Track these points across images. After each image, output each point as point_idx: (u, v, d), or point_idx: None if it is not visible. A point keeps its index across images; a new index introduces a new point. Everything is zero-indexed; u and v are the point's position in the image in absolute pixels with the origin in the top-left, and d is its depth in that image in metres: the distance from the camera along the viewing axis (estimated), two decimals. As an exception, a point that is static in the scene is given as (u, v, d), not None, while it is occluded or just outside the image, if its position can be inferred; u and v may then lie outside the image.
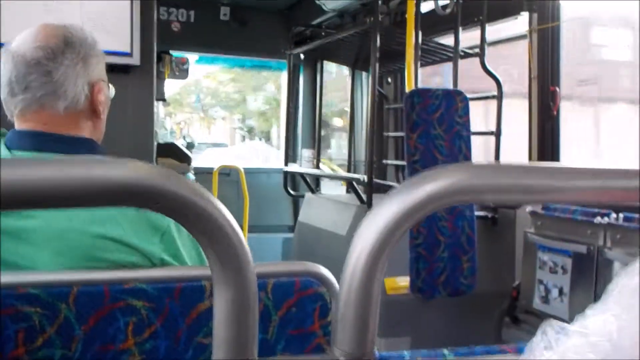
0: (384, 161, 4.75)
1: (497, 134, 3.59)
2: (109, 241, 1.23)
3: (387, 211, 0.57)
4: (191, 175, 4.75)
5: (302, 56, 5.32)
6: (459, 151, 3.20)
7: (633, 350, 0.57)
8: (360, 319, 0.56)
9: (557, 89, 3.48)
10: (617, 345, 0.56)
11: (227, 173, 5.17)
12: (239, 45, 5.33)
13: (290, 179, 5.22)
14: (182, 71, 5.05)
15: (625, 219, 2.82)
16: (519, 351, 0.59)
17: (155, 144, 3.93)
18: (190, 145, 7.20)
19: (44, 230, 1.20)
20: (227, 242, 0.54)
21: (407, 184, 0.58)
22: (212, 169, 5.09)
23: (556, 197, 0.62)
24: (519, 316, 3.23)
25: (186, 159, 4.70)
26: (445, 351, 0.67)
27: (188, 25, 5.15)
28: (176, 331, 1.21)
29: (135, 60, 3.07)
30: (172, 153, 4.65)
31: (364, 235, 0.57)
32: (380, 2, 3.85)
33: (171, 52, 5.12)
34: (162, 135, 6.97)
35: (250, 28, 5.28)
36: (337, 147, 9.38)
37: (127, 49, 3.05)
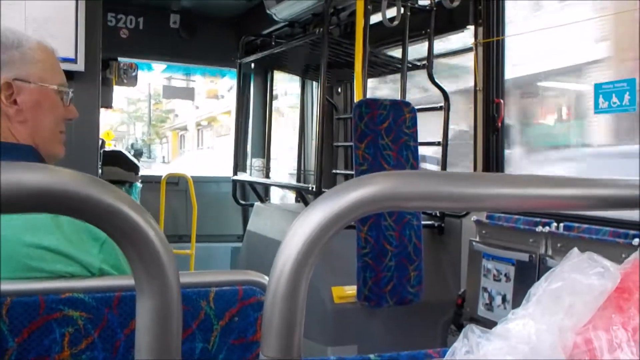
0: (334, 171, 4.78)
1: (444, 144, 3.66)
2: (44, 251, 1.20)
3: (312, 219, 0.58)
4: (138, 184, 4.68)
5: (252, 65, 5.32)
6: (406, 161, 3.24)
7: (552, 353, 0.59)
8: (286, 325, 0.56)
9: (502, 101, 3.56)
10: (535, 348, 0.58)
11: (176, 182, 5.11)
12: (189, 54, 5.29)
13: (240, 188, 5.20)
14: (130, 78, 4.98)
15: (566, 227, 2.90)
16: (444, 355, 0.60)
17: (101, 152, 3.87)
18: (138, 153, 7.09)
19: None
20: (150, 250, 0.54)
21: (332, 192, 0.59)
22: (160, 177, 5.03)
23: (479, 205, 0.64)
24: (464, 323, 3.29)
25: (133, 168, 4.63)
26: (372, 356, 0.67)
27: (137, 33, 5.09)
28: (114, 342, 1.18)
29: (79, 66, 3.01)
30: (119, 161, 4.57)
31: (289, 242, 0.58)
32: (330, 13, 3.88)
33: (119, 59, 5.05)
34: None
35: (200, 36, 5.25)
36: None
37: (72, 55, 2.99)
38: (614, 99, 2.98)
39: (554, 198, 0.67)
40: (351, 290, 3.10)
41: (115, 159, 4.57)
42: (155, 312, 0.56)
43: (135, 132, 23.91)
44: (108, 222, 0.54)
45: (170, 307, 0.56)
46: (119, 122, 22.85)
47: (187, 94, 7.94)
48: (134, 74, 5.01)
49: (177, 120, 25.03)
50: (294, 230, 0.58)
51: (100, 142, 4.23)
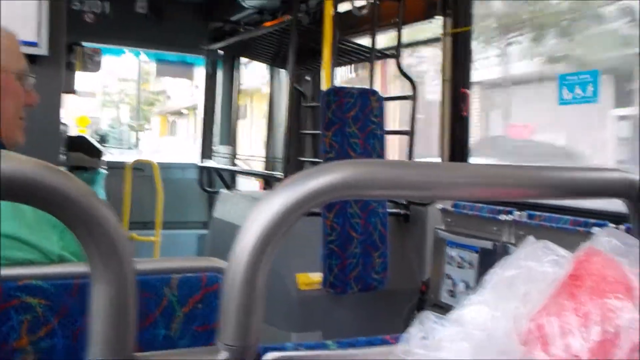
0: (301, 158, 4.78)
1: (411, 133, 3.68)
2: (3, 238, 1.18)
3: (272, 206, 0.58)
4: (103, 171, 4.62)
5: (221, 52, 5.27)
6: (373, 149, 3.26)
7: (506, 339, 0.60)
8: (244, 311, 0.56)
9: (468, 91, 3.59)
10: (490, 335, 0.59)
11: (141, 168, 5.05)
12: (156, 39, 5.22)
13: (207, 175, 5.17)
14: (94, 63, 4.89)
15: (529, 216, 2.95)
16: (401, 341, 0.61)
17: (64, 137, 3.80)
18: (103, 139, 6.98)
19: None
20: (103, 236, 0.53)
21: (292, 179, 0.59)
22: (125, 163, 4.96)
23: (439, 194, 0.65)
24: (428, 310, 3.33)
25: (97, 154, 4.55)
26: (330, 342, 0.68)
27: (103, 17, 4.99)
28: (74, 329, 1.17)
29: (42, 50, 2.95)
30: (83, 147, 4.50)
31: (248, 229, 0.58)
32: (299, 0, 3.86)
33: (84, 44, 4.96)
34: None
35: (167, 22, 5.17)
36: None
37: (34, 39, 2.93)
38: (578, 91, 3.02)
39: (507, 187, 0.69)
40: (316, 277, 3.11)
41: (78, 144, 4.49)
42: (110, 300, 0.55)
43: (120, 116, 22.60)
44: (59, 208, 0.53)
45: (125, 295, 0.56)
46: (100, 105, 21.89)
47: (185, 72, 6.61)
48: (98, 59, 4.92)
49: (169, 103, 23.14)
50: (253, 217, 0.59)
51: (65, 127, 4.17)
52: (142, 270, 1.36)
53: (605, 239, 0.69)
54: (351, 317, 3.23)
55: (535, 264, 0.64)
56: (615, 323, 0.60)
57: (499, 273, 0.65)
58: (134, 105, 22.20)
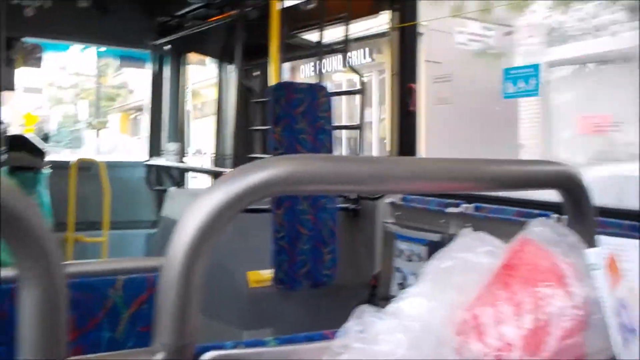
0: (251, 155, 4.75)
1: (360, 127, 3.70)
2: None
3: (207, 203, 0.57)
4: (46, 171, 4.49)
5: (168, 47, 5.19)
6: (321, 145, 3.26)
7: (442, 329, 0.61)
8: (180, 309, 0.56)
9: (414, 85, 3.62)
10: (426, 326, 0.60)
11: (88, 167, 4.93)
12: (100, 34, 5.10)
13: (155, 173, 5.09)
14: (34, 59, 4.75)
15: (475, 208, 3.00)
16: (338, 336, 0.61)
17: (2, 136, 3.68)
18: (46, 138, 6.79)
19: None
20: (30, 239, 0.51)
21: (228, 176, 0.58)
22: (69, 162, 4.84)
23: (375, 187, 0.65)
24: (378, 304, 3.35)
25: (39, 153, 4.43)
26: (268, 339, 0.68)
27: (44, 11, 4.84)
28: (13, 334, 1.14)
29: (-22, 45, 2.85)
30: (25, 146, 4.36)
31: (184, 226, 0.57)
32: (247, -6, 3.84)
33: (24, 39, 4.81)
34: None
35: (111, 16, 5.06)
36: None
37: (-31, 34, 2.83)
38: (521, 84, 3.08)
39: (448, 180, 0.70)
40: (267, 274, 3.10)
41: (20, 144, 4.36)
42: (38, 304, 0.54)
43: (78, 113, 21.45)
44: None
45: (55, 298, 0.55)
46: (54, 102, 20.93)
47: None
48: (38, 55, 4.78)
49: (131, 98, 21.20)
50: (189, 214, 0.58)
51: (4, 126, 4.03)
52: (85, 271, 1.33)
53: (539, 229, 0.70)
54: (302, 313, 3.23)
55: (471, 255, 0.65)
56: (547, 311, 0.62)
57: (435, 265, 0.66)
58: (93, 101, 21.15)
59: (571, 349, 0.62)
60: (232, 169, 0.60)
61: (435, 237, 3.06)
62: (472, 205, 3.02)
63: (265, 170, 0.58)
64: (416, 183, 0.66)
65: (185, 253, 0.56)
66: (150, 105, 5.31)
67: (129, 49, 5.77)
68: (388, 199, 3.41)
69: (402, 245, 3.24)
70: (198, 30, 4.26)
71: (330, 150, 3.29)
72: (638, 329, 0.58)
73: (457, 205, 3.05)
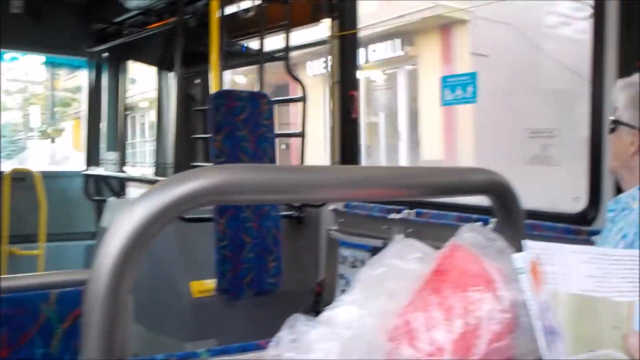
0: (193, 164, 4.70)
1: (302, 135, 3.70)
2: None
3: (135, 213, 0.56)
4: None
5: (106, 55, 5.08)
6: (264, 153, 3.25)
7: (373, 336, 0.61)
8: (107, 324, 0.54)
9: (356, 93, 3.65)
10: (357, 332, 0.61)
11: (22, 177, 4.78)
12: (34, 41, 4.95)
13: (94, 183, 4.97)
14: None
15: (417, 214, 3.05)
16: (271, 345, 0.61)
17: None
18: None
19: None
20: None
21: (155, 187, 0.57)
22: (2, 173, 4.68)
23: (308, 196, 0.66)
24: (322, 311, 3.36)
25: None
26: (201, 350, 0.67)
27: (-27, 18, 4.68)
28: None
29: None
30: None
31: (111, 237, 0.56)
32: (185, 2, 3.80)
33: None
34: None
35: (46, 23, 4.92)
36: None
37: None
38: (459, 91, 3.14)
39: (381, 187, 0.70)
40: (211, 283, 3.07)
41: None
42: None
43: (29, 121, 20.50)
44: None
45: None
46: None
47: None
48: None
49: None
50: (115, 226, 0.57)
51: None
52: (16, 286, 1.29)
53: (468, 234, 0.72)
54: (247, 322, 3.21)
55: (401, 262, 0.66)
56: (477, 315, 0.63)
57: (368, 272, 0.66)
58: (46, 107, 20.31)
59: (500, 351, 0.63)
60: (164, 179, 0.59)
61: (378, 243, 3.09)
62: (414, 211, 3.06)
63: (196, 180, 0.58)
64: (349, 191, 0.66)
65: (112, 265, 0.55)
66: (87, 114, 5.18)
67: (65, 57, 5.64)
68: (331, 206, 3.42)
69: (346, 252, 3.26)
70: (136, 37, 4.19)
71: (273, 159, 3.28)
72: (560, 331, 0.60)
73: (399, 212, 3.09)
